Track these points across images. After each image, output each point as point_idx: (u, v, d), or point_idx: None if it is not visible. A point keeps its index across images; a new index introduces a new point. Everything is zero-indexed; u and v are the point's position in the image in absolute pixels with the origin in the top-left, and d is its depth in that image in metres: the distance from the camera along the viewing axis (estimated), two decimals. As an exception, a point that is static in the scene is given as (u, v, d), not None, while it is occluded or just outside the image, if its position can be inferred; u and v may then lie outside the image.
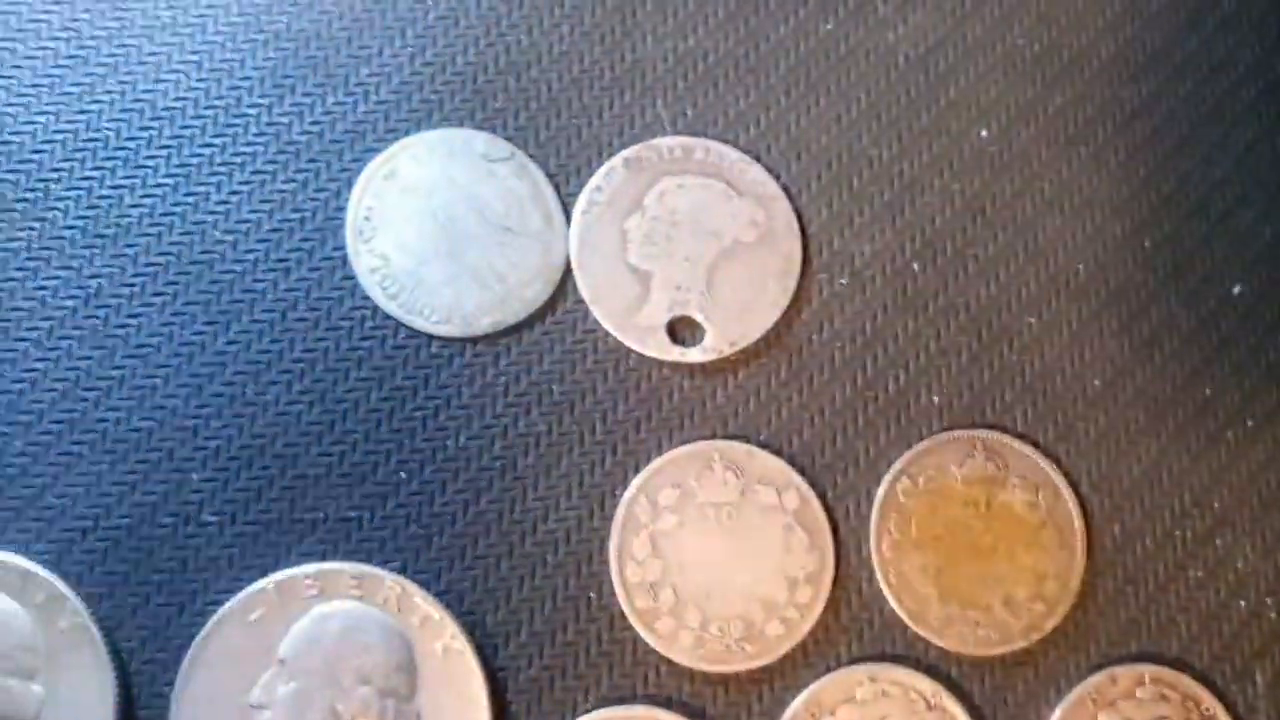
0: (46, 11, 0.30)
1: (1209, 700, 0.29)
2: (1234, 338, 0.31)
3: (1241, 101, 0.32)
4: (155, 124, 0.30)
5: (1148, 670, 0.29)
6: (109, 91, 0.30)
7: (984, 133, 0.32)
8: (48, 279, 0.29)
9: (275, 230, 0.30)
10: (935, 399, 0.30)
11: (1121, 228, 0.31)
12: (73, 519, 0.28)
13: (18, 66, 0.30)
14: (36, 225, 0.29)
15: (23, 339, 0.29)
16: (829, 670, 0.28)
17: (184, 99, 0.30)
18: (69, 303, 0.29)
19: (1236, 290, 0.31)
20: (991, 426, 0.30)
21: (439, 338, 0.29)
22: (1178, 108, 0.32)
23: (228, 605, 0.27)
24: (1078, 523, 0.30)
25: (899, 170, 0.31)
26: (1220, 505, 0.30)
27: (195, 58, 0.31)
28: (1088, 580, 0.29)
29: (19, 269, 0.29)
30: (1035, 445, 0.30)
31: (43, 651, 0.27)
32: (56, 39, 0.30)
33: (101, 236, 0.29)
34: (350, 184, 0.30)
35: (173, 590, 0.28)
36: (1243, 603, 0.30)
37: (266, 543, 0.28)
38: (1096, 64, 0.32)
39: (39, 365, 0.29)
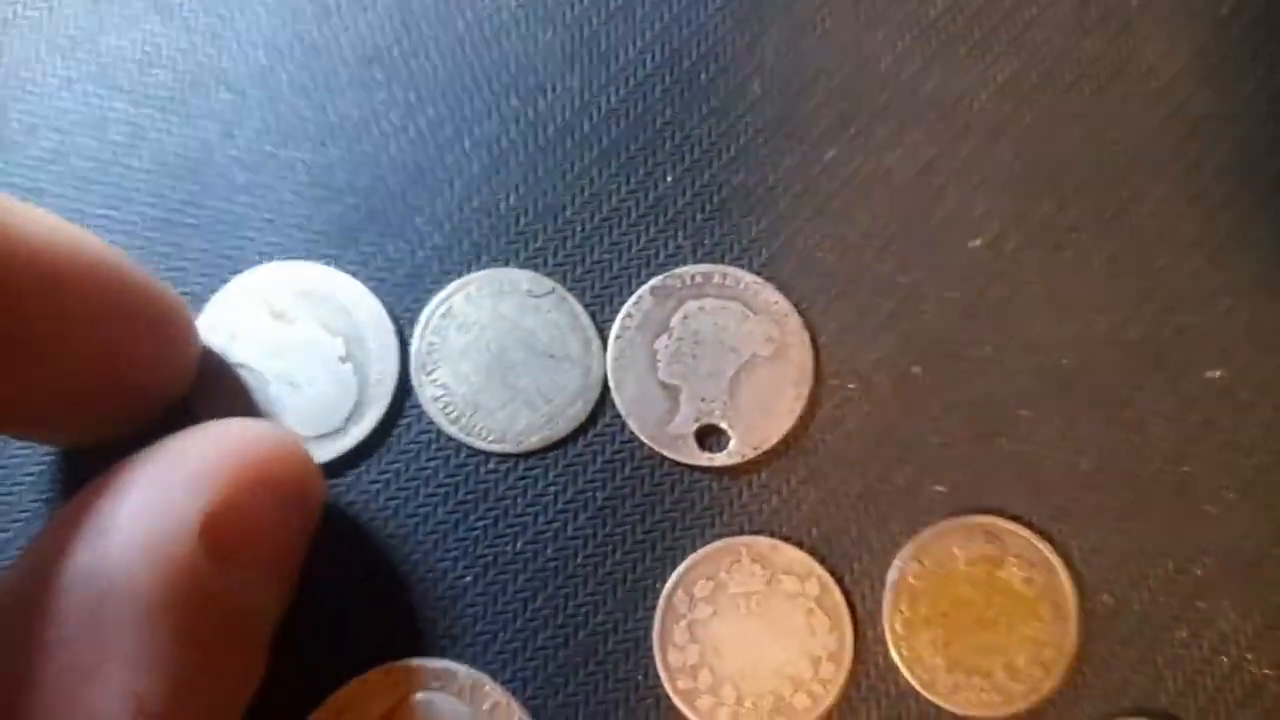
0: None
1: (1198, 750, 0.32)
2: (1212, 419, 0.34)
3: (1215, 197, 0.35)
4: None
5: (1139, 723, 0.32)
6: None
7: (975, 243, 0.35)
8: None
9: (350, 368, 0.34)
10: (938, 488, 0.34)
11: (1105, 323, 0.35)
12: None
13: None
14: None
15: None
16: (851, 737, 0.32)
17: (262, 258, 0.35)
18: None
19: (1217, 374, 0.34)
20: (990, 511, 0.33)
21: (495, 454, 0.34)
22: (1155, 208, 0.35)
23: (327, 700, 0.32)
24: (1071, 595, 0.33)
25: (898, 282, 0.35)
26: (1203, 572, 0.33)
27: (270, 219, 0.35)
28: (1081, 645, 0.33)
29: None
30: (1030, 526, 0.33)
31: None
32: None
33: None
34: (413, 323, 0.34)
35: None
36: (1225, 659, 0.33)
37: (351, 643, 0.33)
38: (1077, 173, 0.35)
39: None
